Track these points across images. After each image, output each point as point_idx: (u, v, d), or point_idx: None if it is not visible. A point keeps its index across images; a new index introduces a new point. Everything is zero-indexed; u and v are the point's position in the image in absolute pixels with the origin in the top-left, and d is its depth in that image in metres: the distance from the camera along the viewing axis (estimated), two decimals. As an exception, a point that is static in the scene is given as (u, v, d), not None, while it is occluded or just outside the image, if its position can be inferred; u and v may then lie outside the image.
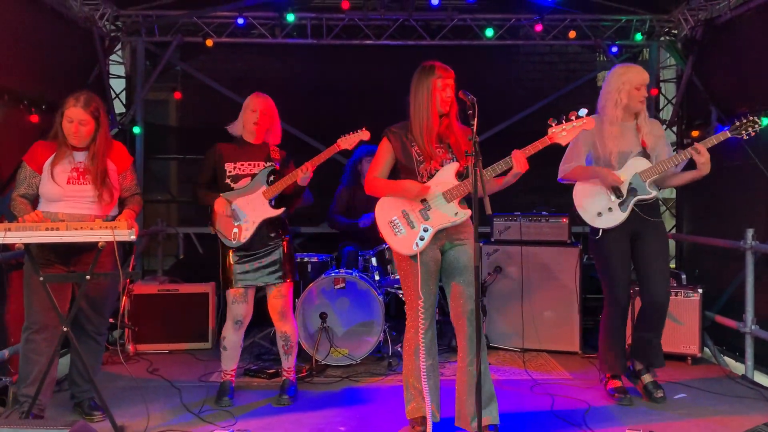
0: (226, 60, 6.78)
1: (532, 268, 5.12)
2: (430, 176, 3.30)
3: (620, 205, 3.86)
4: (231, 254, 3.86)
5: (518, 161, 3.15)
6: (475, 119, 2.97)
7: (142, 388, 4.23)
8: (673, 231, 6.50)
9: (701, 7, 5.84)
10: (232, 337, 3.94)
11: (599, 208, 3.98)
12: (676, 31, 6.33)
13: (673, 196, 6.86)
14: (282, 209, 3.86)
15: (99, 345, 3.74)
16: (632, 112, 3.86)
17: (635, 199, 3.82)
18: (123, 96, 6.60)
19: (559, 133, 3.19)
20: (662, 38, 6.46)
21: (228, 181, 3.85)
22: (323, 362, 4.64)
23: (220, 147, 3.97)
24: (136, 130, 6.38)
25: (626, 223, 3.86)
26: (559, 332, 5.08)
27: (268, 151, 3.94)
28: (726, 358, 5.08)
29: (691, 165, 3.84)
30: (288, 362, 4.04)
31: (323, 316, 4.68)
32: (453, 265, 3.30)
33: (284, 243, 3.93)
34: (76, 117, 3.47)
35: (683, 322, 4.77)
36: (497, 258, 5.20)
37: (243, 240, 3.80)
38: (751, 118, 3.61)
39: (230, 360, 4.02)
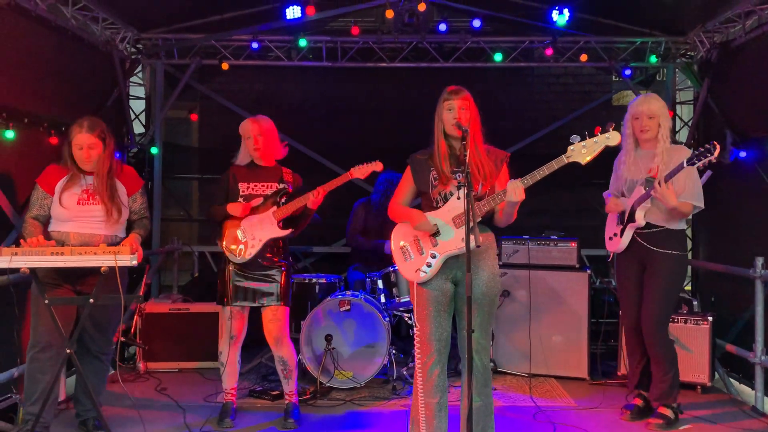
0: (244, 82, 6.91)
1: (541, 292, 5.09)
2: (445, 200, 3.21)
3: (621, 232, 3.87)
4: (231, 270, 3.92)
5: (510, 191, 3.04)
6: (467, 150, 2.98)
7: (147, 407, 4.30)
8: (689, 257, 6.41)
9: (717, 29, 5.79)
10: (229, 352, 3.99)
11: (610, 232, 4.04)
12: (692, 53, 6.28)
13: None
14: (289, 230, 3.92)
15: (103, 364, 3.82)
16: (644, 141, 3.86)
17: (630, 227, 3.83)
18: (143, 117, 6.74)
19: (579, 150, 2.99)
20: (678, 60, 6.41)
21: (241, 200, 3.94)
22: (327, 385, 4.67)
23: (235, 169, 4.06)
24: (154, 150, 6.51)
25: (633, 250, 3.89)
26: (567, 358, 5.03)
27: (281, 174, 4.03)
28: (742, 386, 4.97)
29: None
30: (289, 386, 4.07)
31: (328, 338, 4.71)
32: (464, 296, 3.10)
33: (284, 268, 3.99)
34: (84, 143, 3.58)
35: (692, 349, 4.70)
36: (505, 282, 5.17)
37: (248, 257, 3.87)
38: (707, 146, 3.54)
39: (230, 377, 4.07)
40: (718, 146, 3.52)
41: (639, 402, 4.12)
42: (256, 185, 3.97)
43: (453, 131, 3.19)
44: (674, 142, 6.53)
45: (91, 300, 3.32)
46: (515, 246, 5.24)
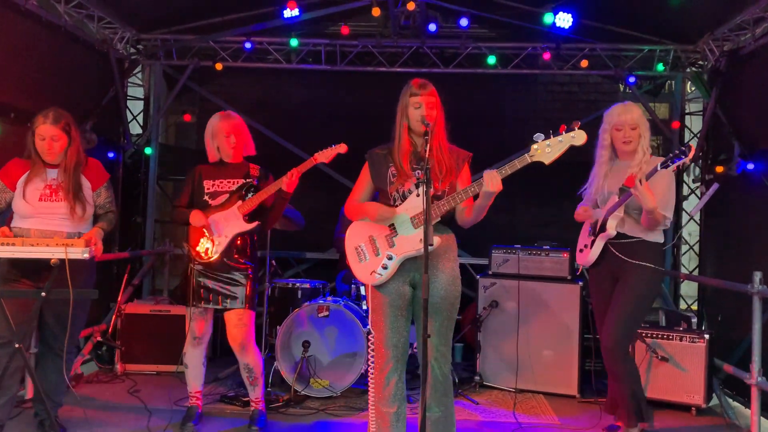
0: (243, 84, 6.86)
1: (531, 304, 4.89)
2: (403, 198, 3.05)
3: (592, 243, 3.66)
4: (195, 270, 3.80)
5: (487, 181, 2.86)
6: (428, 145, 2.83)
7: (115, 409, 4.21)
8: (696, 272, 6.14)
9: (726, 37, 5.57)
10: (192, 353, 3.87)
11: (581, 244, 3.82)
12: (702, 62, 6.05)
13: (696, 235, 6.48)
14: (255, 223, 3.79)
15: (63, 363, 3.69)
16: (624, 152, 3.66)
17: (601, 237, 3.61)
18: (141, 118, 6.72)
19: (543, 149, 2.82)
20: (688, 70, 6.18)
21: (206, 198, 3.82)
22: (303, 393, 4.51)
23: (200, 167, 3.95)
24: (148, 150, 6.47)
25: (606, 262, 3.65)
26: (556, 374, 4.81)
27: (247, 169, 3.91)
28: (747, 411, 4.66)
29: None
30: (255, 393, 3.93)
31: (306, 345, 4.56)
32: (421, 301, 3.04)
33: (250, 271, 3.84)
34: (47, 134, 3.51)
35: (687, 369, 4.45)
36: (494, 292, 4.99)
37: (214, 255, 3.74)
38: (682, 148, 3.31)
39: (194, 379, 3.94)
40: (693, 148, 3.31)
41: (615, 424, 3.90)
42: (221, 182, 3.85)
43: (418, 128, 3.03)
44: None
45: (43, 294, 3.22)
46: (505, 255, 5.05)
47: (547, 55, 5.98)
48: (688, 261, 6.85)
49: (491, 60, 6.12)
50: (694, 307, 6.17)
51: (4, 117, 4.51)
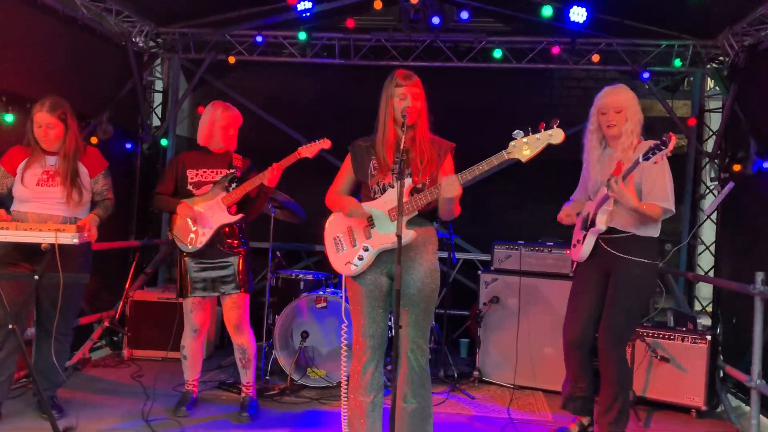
0: (258, 78, 6.92)
1: (532, 300, 4.84)
2: (383, 191, 3.06)
3: (584, 238, 3.58)
4: (187, 261, 3.87)
5: (444, 187, 2.85)
6: (402, 137, 2.83)
7: (115, 392, 4.32)
8: (711, 273, 6.00)
9: (746, 32, 5.40)
10: (192, 346, 3.96)
11: (575, 239, 3.74)
12: (723, 58, 5.89)
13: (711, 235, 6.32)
14: (240, 216, 3.85)
15: (62, 345, 3.83)
16: (611, 138, 3.57)
17: (592, 232, 3.51)
18: (160, 110, 6.86)
19: (521, 147, 2.79)
20: (708, 65, 6.03)
21: (190, 187, 3.89)
22: (299, 382, 4.56)
23: (182, 156, 4.03)
24: (164, 142, 6.60)
25: (597, 258, 3.56)
26: (557, 371, 4.71)
27: (230, 159, 3.97)
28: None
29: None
30: (246, 377, 3.99)
31: (304, 335, 4.61)
32: (400, 293, 2.97)
33: (241, 254, 3.91)
34: (43, 121, 3.62)
35: (688, 370, 4.35)
36: (496, 288, 4.96)
37: (199, 245, 3.80)
38: (663, 138, 3.17)
39: (191, 369, 4.03)
40: (673, 137, 3.21)
41: (568, 426, 3.82)
42: (205, 172, 3.91)
43: (405, 120, 3.02)
44: (703, 152, 6.15)
45: (36, 277, 3.32)
46: (508, 251, 5.01)
47: (556, 49, 5.91)
48: (710, 262, 6.68)
49: (497, 54, 6.07)
50: (711, 309, 6.03)
51: (21, 108, 4.66)
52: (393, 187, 3.01)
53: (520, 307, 4.85)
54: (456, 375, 4.92)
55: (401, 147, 2.80)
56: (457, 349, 5.80)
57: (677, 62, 5.95)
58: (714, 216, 5.93)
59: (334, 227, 3.16)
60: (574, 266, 3.79)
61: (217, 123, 3.93)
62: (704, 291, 6.92)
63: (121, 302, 5.23)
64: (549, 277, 4.84)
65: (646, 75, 5.92)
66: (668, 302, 5.90)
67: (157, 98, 6.93)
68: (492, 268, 5.06)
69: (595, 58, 5.92)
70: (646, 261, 3.44)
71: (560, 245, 4.89)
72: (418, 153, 3.02)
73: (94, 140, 5.55)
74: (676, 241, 6.09)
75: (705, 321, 5.75)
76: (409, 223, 2.97)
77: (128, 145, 6.27)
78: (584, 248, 3.55)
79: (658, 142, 3.15)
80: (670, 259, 6.12)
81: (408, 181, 3.00)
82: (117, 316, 5.28)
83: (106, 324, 5.28)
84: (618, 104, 3.46)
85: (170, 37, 6.52)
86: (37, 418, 3.73)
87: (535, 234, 5.38)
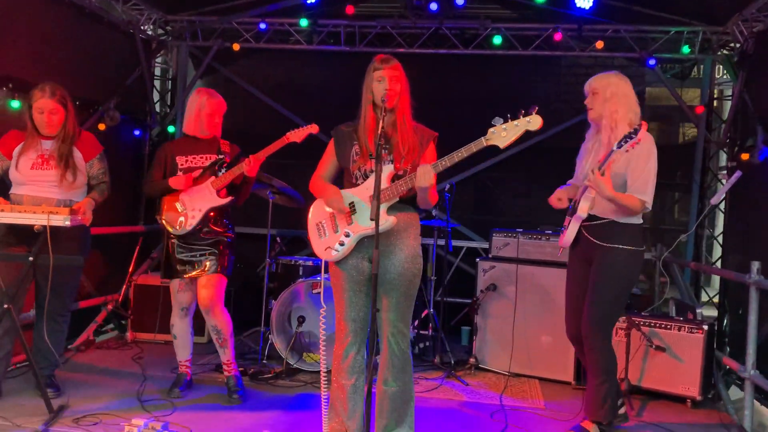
0: (264, 65, 6.94)
1: (529, 288, 4.83)
2: (365, 177, 3.07)
3: (569, 224, 3.57)
4: (173, 245, 3.93)
5: (419, 177, 2.86)
6: (381, 122, 2.85)
7: (113, 374, 4.42)
8: (718, 264, 5.91)
9: (756, 18, 5.29)
10: (180, 325, 4.03)
11: (564, 225, 3.71)
12: (734, 45, 5.78)
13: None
14: (229, 198, 3.92)
15: (59, 326, 3.91)
16: (594, 123, 3.55)
17: (575, 219, 3.49)
18: (169, 97, 6.93)
19: (499, 133, 2.83)
20: (719, 52, 5.92)
21: (180, 173, 3.94)
22: (295, 366, 4.61)
23: (169, 144, 4.10)
24: (171, 129, 6.67)
25: (580, 246, 3.55)
26: (553, 359, 4.74)
27: (218, 145, 4.02)
28: (763, 407, 4.47)
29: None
30: (225, 356, 4.02)
31: (300, 320, 4.66)
32: (381, 277, 3.02)
33: (228, 239, 3.99)
34: (45, 107, 3.69)
35: (684, 360, 4.31)
36: (493, 275, 4.95)
37: (189, 228, 3.87)
38: (636, 127, 3.17)
39: (182, 349, 4.10)
40: (644, 125, 3.18)
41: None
42: (194, 157, 3.96)
43: (384, 104, 3.03)
44: (715, 141, 6.04)
45: (30, 258, 3.41)
46: (506, 239, 5.00)
47: (558, 36, 5.85)
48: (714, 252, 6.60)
49: (497, 40, 6.03)
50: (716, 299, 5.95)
51: (27, 94, 4.73)
52: (374, 172, 3.01)
53: (517, 294, 4.84)
54: (453, 362, 4.94)
55: (379, 131, 2.81)
56: (459, 336, 5.81)
57: (686, 49, 5.85)
58: (722, 206, 5.84)
59: (317, 213, 3.18)
60: (560, 252, 3.77)
61: (203, 110, 3.97)
62: (716, 282, 6.84)
63: (124, 286, 5.31)
64: (546, 265, 4.82)
65: (652, 62, 5.83)
66: (673, 292, 5.84)
67: (165, 85, 6.99)
68: (490, 256, 5.05)
69: (599, 44, 5.85)
70: (626, 247, 3.40)
71: (558, 233, 4.85)
72: (400, 139, 3.02)
73: (101, 127, 5.64)
74: (684, 230, 6.03)
75: (713, 312, 5.68)
76: (390, 209, 2.99)
77: (136, 132, 6.36)
78: (567, 235, 3.55)
79: (631, 131, 3.13)
80: (680, 248, 6.05)
81: (389, 168, 3.01)
82: (120, 300, 5.37)
83: (111, 307, 5.38)
84: (590, 87, 3.52)
85: (178, 25, 6.58)
86: (36, 396, 3.80)
87: (544, 222, 5.35)
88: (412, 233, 3.08)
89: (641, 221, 3.47)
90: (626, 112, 3.39)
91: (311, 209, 3.22)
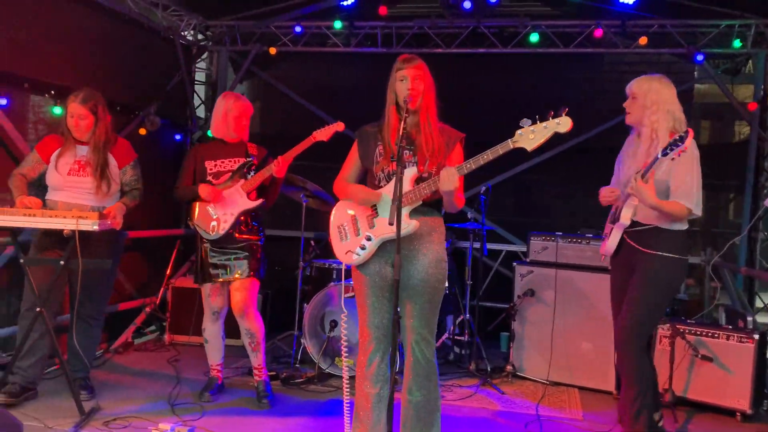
0: (302, 68, 6.95)
1: (568, 294, 4.66)
2: (388, 178, 2.98)
3: (611, 232, 3.42)
4: (206, 248, 3.94)
5: (443, 180, 2.75)
6: (402, 123, 2.77)
7: (148, 376, 4.46)
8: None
9: (812, 8, 5.02)
10: (211, 329, 4.04)
11: (605, 231, 3.57)
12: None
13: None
14: (260, 201, 3.91)
15: (92, 328, 3.95)
16: (635, 128, 3.40)
17: (617, 227, 3.34)
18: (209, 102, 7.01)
19: (527, 135, 2.71)
20: (774, 46, 5.64)
21: (210, 178, 3.95)
22: (327, 371, 4.57)
23: (200, 147, 4.10)
24: (210, 133, 6.71)
25: (623, 253, 3.40)
26: (593, 368, 4.57)
27: (245, 148, 4.02)
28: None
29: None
30: (257, 360, 4.01)
31: (333, 324, 4.61)
32: (404, 283, 2.94)
33: (260, 242, 3.99)
34: (75, 112, 3.75)
35: (733, 371, 4.08)
36: (531, 280, 4.80)
37: (222, 232, 3.87)
38: (681, 134, 3.00)
39: (213, 353, 4.11)
40: (690, 132, 3.01)
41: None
42: (223, 162, 3.96)
43: (407, 104, 2.95)
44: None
45: (61, 262, 3.46)
46: (544, 242, 4.84)
47: (598, 32, 5.66)
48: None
49: (533, 38, 5.88)
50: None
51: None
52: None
53: (556, 300, 4.68)
54: (489, 369, 4.82)
55: (400, 132, 2.74)
56: (497, 342, 5.67)
57: (737, 43, 5.58)
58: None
59: (338, 216, 3.12)
60: (602, 259, 3.63)
61: (230, 114, 3.97)
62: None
63: (162, 289, 5.37)
64: (586, 270, 4.65)
65: (700, 57, 5.58)
66: (725, 298, 5.58)
67: (207, 90, 7.07)
68: (528, 260, 4.91)
69: (643, 40, 5.64)
70: (669, 255, 3.24)
71: (599, 237, 4.68)
72: (424, 141, 2.94)
73: (142, 132, 5.73)
74: (737, 233, 5.76)
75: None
76: (413, 212, 2.91)
77: (177, 137, 6.44)
78: (609, 243, 3.42)
79: (677, 137, 2.96)
80: (734, 252, 5.77)
81: (413, 170, 2.92)
82: (158, 302, 5.43)
83: (149, 309, 5.44)
84: (630, 91, 3.35)
85: (218, 30, 6.65)
86: (70, 398, 3.83)
87: (586, 225, 5.19)
88: (437, 237, 2.99)
89: (686, 227, 3.29)
90: (667, 122, 3.24)
91: (333, 212, 3.16)
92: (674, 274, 3.29)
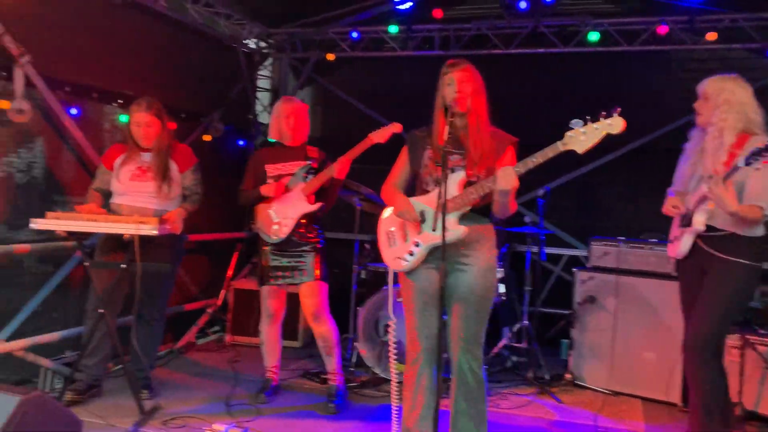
0: (361, 73, 6.99)
1: (631, 301, 4.50)
2: (437, 183, 2.93)
3: (682, 236, 3.28)
4: (267, 251, 4.00)
5: (500, 178, 2.69)
6: (448, 126, 2.73)
7: (208, 375, 4.57)
8: None
9: None
10: (268, 331, 4.12)
11: (672, 234, 3.45)
12: None
13: None
14: (319, 204, 3.94)
15: (153, 329, 4.09)
16: (704, 129, 3.25)
17: (689, 232, 3.20)
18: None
19: (578, 137, 2.63)
20: None
21: (270, 181, 4.01)
22: (382, 375, 4.56)
23: (261, 152, 4.17)
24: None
25: (694, 256, 3.28)
26: (657, 378, 4.38)
27: (305, 151, 4.06)
28: None
29: None
30: (331, 364, 4.05)
31: (387, 329, 4.60)
32: (451, 291, 2.91)
33: (319, 244, 4.02)
34: (142, 120, 3.89)
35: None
36: (592, 286, 4.66)
37: (283, 236, 3.93)
38: (766, 144, 2.81)
39: (269, 355, 4.17)
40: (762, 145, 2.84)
41: None
42: (283, 165, 4.02)
43: (455, 107, 2.92)
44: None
45: (123, 265, 3.59)
46: (605, 247, 4.70)
47: (663, 29, 5.44)
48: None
49: (592, 36, 5.71)
50: None
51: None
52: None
53: (618, 307, 4.53)
54: (547, 377, 4.70)
55: (445, 136, 2.71)
56: (558, 349, 5.53)
57: (813, 36, 5.26)
58: None
59: (387, 221, 3.12)
60: (674, 263, 3.50)
61: (281, 115, 4.06)
62: None
63: (223, 290, 5.50)
64: (650, 276, 4.48)
65: (772, 52, 5.29)
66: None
67: (267, 96, 7.21)
68: (588, 266, 4.77)
69: (711, 36, 5.40)
70: (746, 262, 3.11)
71: (663, 242, 4.49)
72: (472, 144, 2.89)
73: (206, 138, 5.90)
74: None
75: None
76: (462, 218, 2.87)
77: (241, 142, 6.59)
78: (681, 247, 3.31)
79: (761, 146, 2.79)
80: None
81: (461, 174, 2.89)
82: (219, 304, 5.57)
83: (210, 311, 5.59)
84: (702, 91, 3.22)
85: (280, 38, 6.77)
86: (132, 397, 4.00)
87: (650, 228, 5.00)
88: (486, 245, 2.93)
89: (763, 233, 3.14)
90: (736, 122, 3.10)
91: (382, 217, 3.16)
92: (751, 282, 3.19)
